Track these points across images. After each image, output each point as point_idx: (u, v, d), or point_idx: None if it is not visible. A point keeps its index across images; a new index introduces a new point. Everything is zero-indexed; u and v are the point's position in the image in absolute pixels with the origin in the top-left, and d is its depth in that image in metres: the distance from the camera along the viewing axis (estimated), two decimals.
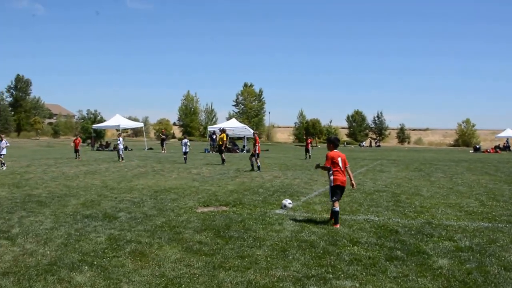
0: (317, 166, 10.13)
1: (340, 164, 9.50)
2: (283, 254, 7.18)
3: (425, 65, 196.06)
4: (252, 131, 54.61)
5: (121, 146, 30.50)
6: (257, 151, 23.48)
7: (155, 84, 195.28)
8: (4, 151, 23.42)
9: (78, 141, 33.65)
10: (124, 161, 29.14)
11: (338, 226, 9.15)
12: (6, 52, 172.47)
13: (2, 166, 22.47)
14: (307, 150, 37.64)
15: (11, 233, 8.44)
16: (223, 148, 27.92)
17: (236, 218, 9.95)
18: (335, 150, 9.76)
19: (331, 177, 9.47)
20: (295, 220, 9.86)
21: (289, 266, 6.54)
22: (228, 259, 6.84)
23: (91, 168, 23.22)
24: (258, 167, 22.77)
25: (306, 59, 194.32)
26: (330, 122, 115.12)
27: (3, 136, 24.74)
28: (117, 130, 35.42)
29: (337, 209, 9.33)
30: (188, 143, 29.56)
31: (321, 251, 7.35)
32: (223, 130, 30.02)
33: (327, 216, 10.32)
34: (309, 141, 39.57)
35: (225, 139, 28.64)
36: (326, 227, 9.21)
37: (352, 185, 9.88)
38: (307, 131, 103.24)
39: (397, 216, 10.50)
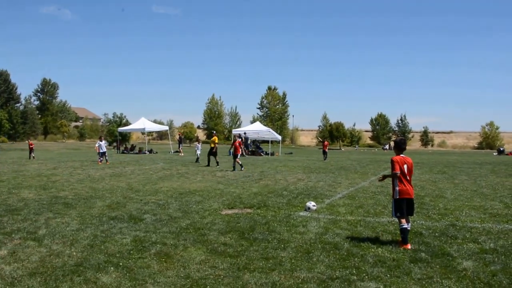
0: (384, 177, 8.90)
1: (406, 172, 8.05)
2: (307, 256, 7.20)
3: (449, 69, 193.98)
4: (276, 134, 54.77)
5: (103, 149, 30.82)
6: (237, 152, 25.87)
7: (180, 88, 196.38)
8: None
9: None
10: (109, 163, 29.70)
11: (408, 246, 7.71)
12: (34, 56, 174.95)
13: None
14: (324, 152, 39.59)
15: (38, 234, 8.57)
16: (214, 150, 27.98)
17: (260, 220, 10.00)
18: (401, 155, 8.23)
19: (396, 188, 7.99)
20: (319, 222, 9.88)
21: (313, 268, 6.57)
22: (252, 261, 6.87)
23: (117, 171, 23.47)
24: (234, 167, 24.77)
25: (330, 62, 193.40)
26: (354, 125, 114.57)
27: None
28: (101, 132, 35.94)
29: (405, 225, 7.83)
30: (200, 147, 30.58)
31: (345, 253, 7.36)
32: (212, 133, 30.16)
33: (350, 218, 10.35)
34: (325, 143, 41.46)
35: (216, 141, 28.97)
36: (350, 229, 9.23)
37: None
38: (331, 134, 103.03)
39: (421, 218, 10.44)
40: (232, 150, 27.63)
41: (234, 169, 24.39)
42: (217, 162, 27.48)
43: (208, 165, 27.52)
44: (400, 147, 8.30)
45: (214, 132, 30.83)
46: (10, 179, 18.24)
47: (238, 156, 25.91)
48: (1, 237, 8.30)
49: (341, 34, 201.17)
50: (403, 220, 7.87)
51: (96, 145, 31.15)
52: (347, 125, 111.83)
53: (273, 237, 8.46)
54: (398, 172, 7.97)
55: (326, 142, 42.27)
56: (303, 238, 8.40)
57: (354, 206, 12.15)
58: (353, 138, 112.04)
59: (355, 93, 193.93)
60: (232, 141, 49.94)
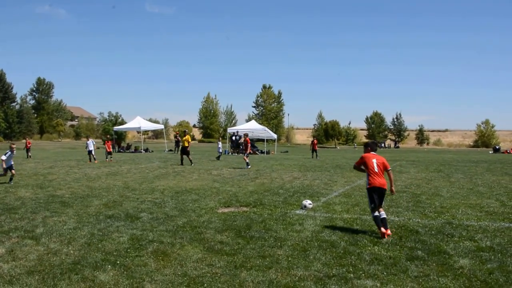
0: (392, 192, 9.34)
1: (375, 166, 8.93)
2: (304, 254, 7.23)
3: (444, 66, 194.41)
4: (272, 133, 54.77)
5: (90, 148, 30.93)
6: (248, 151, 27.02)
7: (175, 87, 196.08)
8: None
9: (109, 144, 34.58)
10: (97, 162, 29.74)
11: (388, 232, 8.43)
12: (29, 56, 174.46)
13: None
14: (313, 150, 40.44)
15: (36, 233, 8.58)
16: (188, 149, 27.98)
17: (256, 219, 10.02)
18: (371, 153, 9.26)
19: (366, 179, 9.02)
20: (316, 220, 9.91)
21: (310, 265, 6.59)
22: (249, 259, 6.90)
23: (113, 170, 23.44)
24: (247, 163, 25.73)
25: (325, 60, 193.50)
26: (349, 123, 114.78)
27: None
28: (88, 136, 36.39)
29: (376, 214, 8.60)
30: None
31: (341, 251, 7.39)
32: (185, 132, 30.20)
33: (347, 216, 10.40)
34: (315, 142, 41.67)
35: (190, 140, 29.20)
36: (346, 227, 9.28)
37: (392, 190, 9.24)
38: (326, 132, 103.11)
39: (417, 217, 10.49)
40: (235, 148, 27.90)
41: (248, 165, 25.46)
42: (191, 161, 27.42)
43: (182, 163, 27.49)
44: (370, 148, 9.42)
45: (186, 131, 30.90)
46: (7, 178, 18.17)
47: (247, 154, 26.68)
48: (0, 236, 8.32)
49: (336, 32, 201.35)
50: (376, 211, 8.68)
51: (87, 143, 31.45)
52: (342, 124, 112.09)
53: (270, 235, 8.49)
54: (357, 165, 9.33)
55: (315, 140, 42.37)
56: (300, 236, 8.43)
57: (350, 204, 12.18)
58: (348, 137, 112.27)
59: (350, 92, 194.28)
60: (228, 139, 50.14)
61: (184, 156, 28.01)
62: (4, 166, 16.68)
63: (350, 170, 23.18)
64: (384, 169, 9.01)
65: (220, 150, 37.89)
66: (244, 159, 26.17)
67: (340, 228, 9.12)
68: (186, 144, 28.03)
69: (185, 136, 28.34)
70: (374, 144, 9.70)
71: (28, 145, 37.86)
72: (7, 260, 6.80)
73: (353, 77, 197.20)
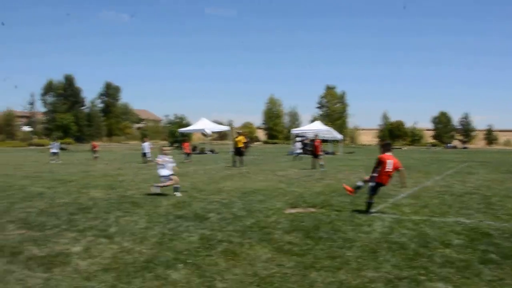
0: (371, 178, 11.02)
1: (391, 167, 10.59)
2: (373, 255, 7.17)
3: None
4: (337, 133, 54.30)
5: (55, 150, 32.46)
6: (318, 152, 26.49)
7: (238, 88, 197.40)
8: None
9: (187, 145, 34.85)
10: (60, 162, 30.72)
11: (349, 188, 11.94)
12: (97, 61, 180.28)
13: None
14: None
15: (109, 232, 8.87)
16: (241, 150, 27.84)
17: (324, 219, 9.99)
18: (387, 154, 10.76)
19: (376, 175, 10.70)
20: (384, 221, 9.79)
21: (380, 267, 6.54)
22: (318, 259, 6.90)
23: (180, 171, 23.68)
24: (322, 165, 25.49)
25: (389, 60, 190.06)
26: (415, 123, 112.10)
27: None
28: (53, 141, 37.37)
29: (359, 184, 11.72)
30: None
31: (411, 253, 7.29)
32: (239, 133, 30.04)
33: (416, 218, 10.23)
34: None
35: (244, 141, 28.80)
36: (415, 228, 9.10)
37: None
38: (391, 133, 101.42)
39: (489, 219, 10.19)
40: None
41: (322, 167, 25.08)
42: (242, 163, 27.25)
43: (234, 165, 27.25)
44: (387, 149, 10.92)
45: (240, 132, 30.94)
46: (79, 179, 18.88)
47: (320, 156, 26.30)
48: (76, 234, 8.66)
49: (401, 34, 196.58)
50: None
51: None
52: (408, 124, 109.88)
53: (338, 236, 8.46)
54: (376, 167, 10.70)
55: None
56: (369, 237, 8.36)
57: (418, 206, 11.95)
58: (414, 137, 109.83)
59: (415, 92, 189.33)
60: (293, 141, 50.02)
61: (238, 157, 27.83)
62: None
63: (417, 171, 22.74)
64: (396, 169, 10.70)
65: (297, 151, 37.40)
66: (317, 161, 25.77)
67: (410, 230, 8.98)
68: (240, 145, 28.00)
69: (239, 137, 28.46)
70: (389, 145, 11.35)
71: (95, 148, 39.25)
72: (84, 258, 7.07)
73: (418, 77, 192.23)
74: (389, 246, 7.73)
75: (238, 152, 27.95)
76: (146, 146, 31.76)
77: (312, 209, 11.43)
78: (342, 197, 13.34)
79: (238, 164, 27.20)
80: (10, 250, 7.59)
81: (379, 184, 10.73)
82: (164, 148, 15.12)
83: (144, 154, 31.29)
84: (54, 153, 33.86)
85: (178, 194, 13.74)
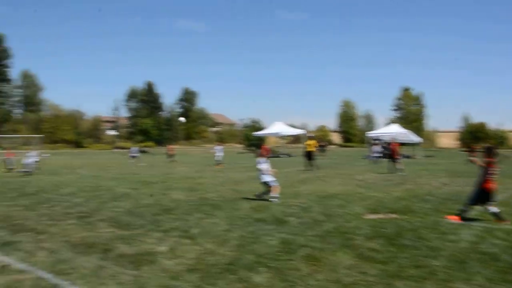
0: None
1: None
2: (462, 266, 6.85)
3: None
4: (415, 136, 52.88)
5: (134, 154, 34.35)
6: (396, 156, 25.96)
7: (311, 92, 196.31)
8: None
9: (267, 148, 36.34)
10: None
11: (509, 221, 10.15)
12: (176, 69, 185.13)
13: None
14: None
15: (191, 233, 9.04)
16: (312, 154, 27.41)
17: (407, 226, 9.71)
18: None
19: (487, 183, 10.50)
20: (472, 230, 9.35)
21: (471, 279, 6.22)
22: (403, 268, 6.69)
23: (255, 174, 23.99)
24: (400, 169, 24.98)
25: (469, 58, 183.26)
26: (501, 125, 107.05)
27: None
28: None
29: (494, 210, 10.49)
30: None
31: (505, 265, 6.87)
32: (310, 137, 29.60)
33: (508, 227, 9.63)
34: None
35: (316, 145, 28.57)
36: (508, 239, 8.59)
37: None
38: (472, 135, 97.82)
39: None
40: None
41: (401, 171, 24.67)
42: (313, 167, 26.86)
43: (308, 169, 26.80)
44: (491, 152, 10.60)
45: (312, 136, 30.72)
46: (160, 182, 19.39)
47: (398, 160, 25.86)
48: (161, 234, 8.93)
49: (480, 37, 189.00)
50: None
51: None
52: (493, 125, 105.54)
53: (422, 244, 8.19)
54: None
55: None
56: (456, 246, 8.01)
57: (510, 214, 11.32)
58: (499, 139, 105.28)
59: (499, 92, 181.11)
60: (370, 144, 49.20)
61: (309, 161, 27.50)
62: None
63: (508, 176, 21.65)
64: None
65: (376, 155, 36.79)
66: (395, 165, 25.37)
67: (501, 240, 8.50)
68: (311, 149, 27.78)
69: (310, 141, 28.28)
70: (493, 149, 10.92)
71: (171, 151, 40.77)
72: (169, 257, 7.27)
73: (500, 76, 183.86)
74: (479, 257, 7.35)
75: (309, 156, 27.75)
76: (219, 149, 33.06)
77: (393, 215, 11.13)
78: (424, 203, 12.96)
79: (314, 168, 26.97)
80: (102, 247, 7.98)
81: (485, 191, 10.47)
82: (266, 150, 15.02)
83: (216, 157, 32.46)
84: (133, 157, 36.59)
85: (274, 200, 13.51)
